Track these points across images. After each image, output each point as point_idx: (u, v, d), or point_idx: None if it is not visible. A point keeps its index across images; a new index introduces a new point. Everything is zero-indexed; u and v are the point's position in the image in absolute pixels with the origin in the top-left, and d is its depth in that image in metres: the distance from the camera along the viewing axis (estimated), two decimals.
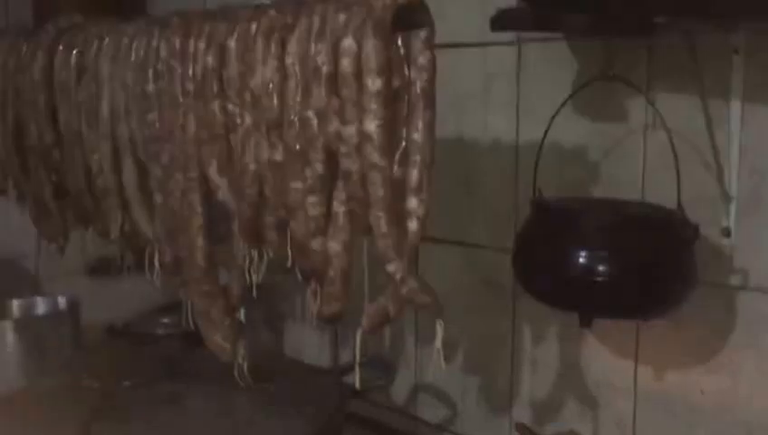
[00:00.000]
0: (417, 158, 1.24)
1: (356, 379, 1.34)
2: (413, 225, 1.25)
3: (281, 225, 1.42)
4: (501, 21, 1.40)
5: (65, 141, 1.86)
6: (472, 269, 1.88)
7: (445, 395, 1.95)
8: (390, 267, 1.23)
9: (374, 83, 1.19)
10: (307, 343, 2.27)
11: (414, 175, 1.24)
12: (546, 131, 1.51)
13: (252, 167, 1.41)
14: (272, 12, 1.36)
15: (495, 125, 1.78)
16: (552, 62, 1.65)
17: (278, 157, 1.35)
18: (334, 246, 1.32)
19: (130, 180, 1.72)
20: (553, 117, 1.49)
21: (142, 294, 2.36)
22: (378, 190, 1.22)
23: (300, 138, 1.30)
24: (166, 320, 2.42)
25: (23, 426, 1.63)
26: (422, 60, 1.22)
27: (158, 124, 1.60)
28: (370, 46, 1.19)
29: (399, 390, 2.03)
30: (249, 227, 1.46)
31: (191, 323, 1.67)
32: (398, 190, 1.24)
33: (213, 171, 1.52)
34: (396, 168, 1.24)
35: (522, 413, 1.80)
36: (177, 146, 1.55)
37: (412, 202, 1.24)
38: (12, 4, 2.88)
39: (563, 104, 1.50)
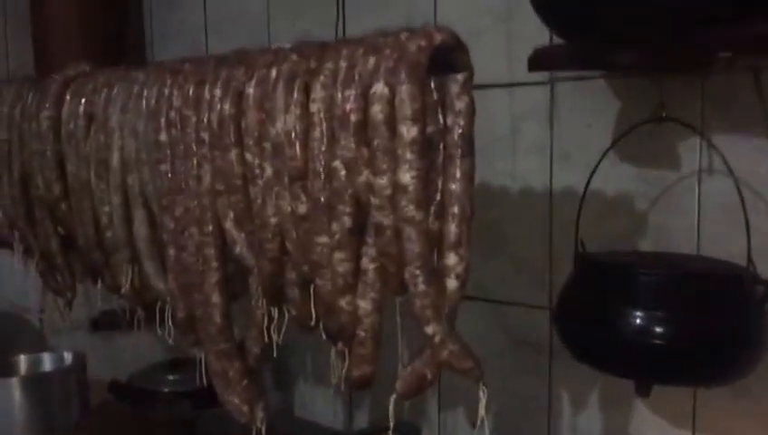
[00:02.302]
0: (456, 210, 1.12)
1: None
2: (452, 283, 1.12)
3: (304, 282, 1.30)
4: (539, 60, 1.28)
5: (73, 193, 1.75)
6: (502, 328, 1.72)
7: None
8: (429, 329, 1.11)
9: (409, 132, 1.08)
10: (319, 404, 2.12)
11: (452, 229, 1.12)
12: (590, 178, 1.38)
13: (273, 220, 1.29)
14: (293, 56, 1.25)
15: (526, 171, 1.64)
16: (589, 102, 1.52)
17: (302, 210, 1.23)
18: (364, 305, 1.20)
19: (141, 233, 1.60)
20: (598, 163, 1.36)
21: (146, 348, 2.24)
22: (414, 246, 1.10)
23: (326, 190, 1.19)
24: (171, 377, 2.28)
25: None
26: (459, 105, 1.11)
27: (170, 175, 1.48)
28: (405, 92, 1.07)
29: None
30: (269, 284, 1.34)
31: (205, 382, 1.55)
32: (434, 246, 1.13)
33: (230, 225, 1.40)
34: (432, 221, 1.12)
35: None
36: (192, 198, 1.44)
37: (451, 258, 1.12)
38: (12, 50, 2.79)
39: (610, 148, 1.37)
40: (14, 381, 1.89)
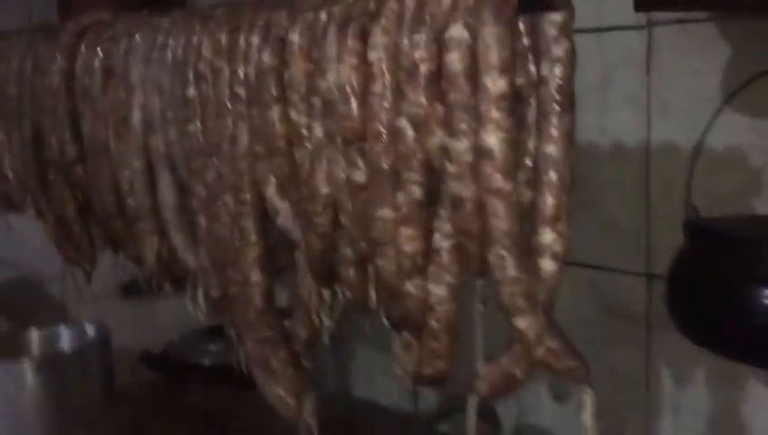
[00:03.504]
0: (552, 177, 0.92)
1: None
2: (548, 265, 0.93)
3: (361, 260, 1.11)
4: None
5: (90, 155, 1.56)
6: (593, 295, 1.54)
7: None
8: (520, 323, 0.91)
9: (495, 84, 0.87)
10: (379, 378, 1.94)
11: (548, 200, 0.92)
12: (705, 132, 1.17)
13: (323, 190, 1.09)
14: None
15: (617, 126, 1.43)
16: (694, 48, 1.32)
17: (359, 177, 1.03)
18: (437, 290, 1.00)
19: (168, 201, 1.41)
20: (715, 115, 1.16)
21: (182, 315, 2.06)
22: (501, 223, 0.90)
23: (390, 154, 0.99)
24: (211, 347, 2.11)
25: None
26: (557, 51, 0.90)
27: (200, 136, 1.29)
28: (490, 35, 0.87)
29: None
30: (319, 262, 1.14)
31: (243, 369, 1.37)
32: (525, 220, 0.93)
33: (271, 192, 1.20)
34: (522, 191, 0.92)
35: None
36: (226, 162, 1.24)
37: (547, 235, 0.92)
38: (35, 3, 2.57)
39: (731, 97, 1.16)
40: (25, 363, 1.69)
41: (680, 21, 1.30)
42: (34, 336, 1.92)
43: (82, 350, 1.82)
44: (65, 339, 1.92)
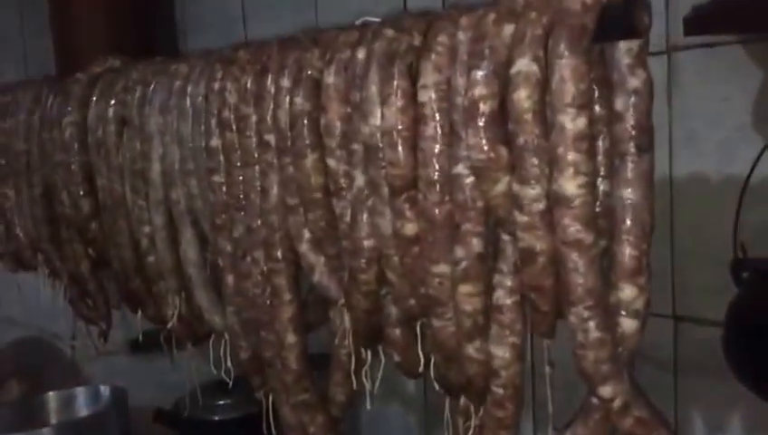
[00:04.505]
0: (631, 225, 0.80)
1: None
2: (629, 324, 0.80)
3: (410, 319, 0.99)
4: (699, 22, 0.95)
5: (106, 211, 1.44)
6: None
7: None
8: (605, 391, 0.79)
9: (575, 123, 0.76)
10: (391, 428, 1.81)
11: (626, 252, 0.80)
12: (755, 164, 1.06)
13: (368, 243, 0.97)
14: (388, 31, 0.93)
15: None
16: (721, 72, 1.21)
17: (409, 230, 0.91)
18: (500, 352, 0.88)
19: (191, 257, 1.29)
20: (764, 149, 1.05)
21: (195, 368, 1.94)
22: (582, 278, 0.77)
23: (445, 203, 0.87)
24: (222, 402, 1.99)
25: None
26: (634, 83, 0.79)
27: (226, 188, 1.17)
28: (567, 68, 0.75)
29: None
30: (363, 323, 1.02)
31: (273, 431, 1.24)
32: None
33: (305, 247, 1.08)
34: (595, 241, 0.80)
35: None
36: (254, 216, 1.13)
37: (626, 291, 0.80)
38: (32, 50, 2.46)
39: None
40: (45, 431, 1.57)
41: (705, 45, 1.19)
42: (51, 400, 1.80)
43: (99, 413, 1.70)
44: (81, 401, 1.80)
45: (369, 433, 1.91)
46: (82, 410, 1.77)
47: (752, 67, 1.19)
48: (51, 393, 1.82)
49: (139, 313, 1.50)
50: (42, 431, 1.57)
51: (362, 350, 1.08)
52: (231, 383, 1.31)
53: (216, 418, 1.98)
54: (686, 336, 1.35)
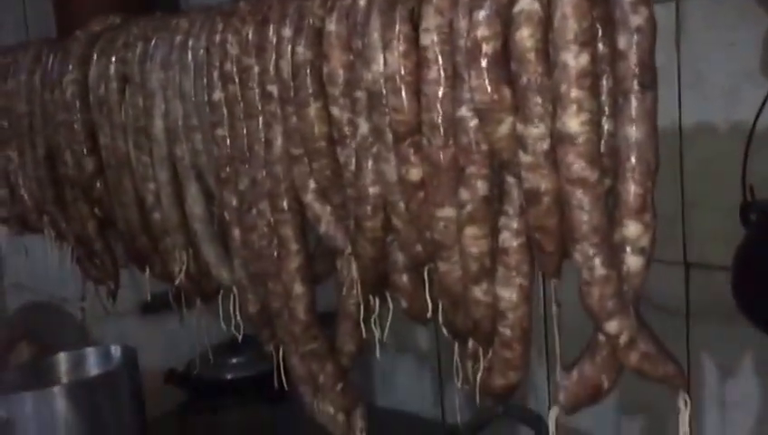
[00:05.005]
0: (635, 163, 0.80)
1: None
2: (635, 261, 0.81)
3: (417, 265, 0.99)
4: None
5: (110, 169, 1.44)
6: None
7: None
8: (611, 326, 0.79)
9: (577, 60, 0.75)
10: (402, 385, 1.83)
11: (631, 189, 0.80)
12: (760, 110, 1.06)
13: (373, 190, 0.97)
14: None
15: None
16: (728, 18, 1.21)
17: (414, 175, 0.92)
18: (507, 294, 0.88)
19: (196, 213, 1.29)
20: None
21: (206, 327, 1.96)
22: (587, 216, 0.78)
23: (449, 147, 0.87)
24: (233, 360, 2.01)
25: None
26: (636, 20, 0.78)
27: (230, 141, 1.17)
28: (569, 4, 0.75)
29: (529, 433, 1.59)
30: (371, 270, 1.03)
31: (285, 386, 1.25)
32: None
33: (311, 198, 1.09)
34: (600, 178, 0.80)
35: None
36: (259, 167, 1.13)
37: (631, 228, 0.80)
38: (31, 19, 2.45)
39: None
40: (56, 390, 1.58)
41: None
42: (61, 361, 1.80)
43: (110, 372, 1.70)
44: (92, 361, 1.80)
45: (382, 387, 1.93)
46: (93, 369, 1.77)
47: (759, 13, 1.19)
48: (61, 354, 1.81)
49: (147, 271, 1.51)
50: (52, 390, 1.58)
51: (370, 298, 1.08)
52: (240, 339, 1.32)
53: (228, 377, 2.00)
54: (696, 282, 1.37)
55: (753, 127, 1.11)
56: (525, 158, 0.80)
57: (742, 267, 1.07)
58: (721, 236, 1.22)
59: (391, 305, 1.07)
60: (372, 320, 1.10)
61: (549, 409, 0.88)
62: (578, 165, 0.77)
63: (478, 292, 0.89)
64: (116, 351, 1.81)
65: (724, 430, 1.33)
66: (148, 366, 1.89)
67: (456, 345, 1.00)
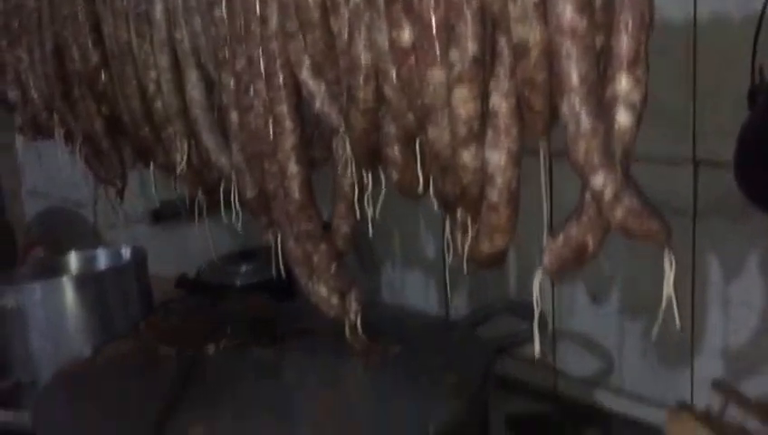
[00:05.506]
0: (629, 15, 0.77)
1: (536, 345, 0.90)
2: (625, 117, 0.79)
3: (407, 136, 0.98)
4: None
5: (114, 60, 1.43)
6: None
7: (596, 344, 1.50)
8: (597, 180, 0.78)
9: None
10: (409, 288, 1.83)
11: (623, 41, 0.78)
12: None
13: (365, 58, 0.96)
14: None
15: None
16: None
17: (405, 38, 0.90)
18: (495, 157, 0.87)
19: (196, 98, 1.29)
20: None
21: (214, 239, 1.97)
22: (575, 66, 0.76)
23: (439, 7, 0.85)
24: (243, 268, 2.02)
25: (93, 406, 1.23)
26: None
27: (227, 21, 1.15)
28: None
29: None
30: (363, 143, 1.01)
31: (283, 272, 1.25)
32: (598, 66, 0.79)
33: (306, 74, 1.07)
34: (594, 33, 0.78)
35: (707, 367, 1.34)
36: (255, 45, 1.11)
37: (623, 82, 0.78)
38: None
39: None
40: (65, 280, 1.60)
41: None
42: (72, 259, 1.83)
43: (119, 267, 1.72)
44: (102, 260, 1.83)
45: (390, 297, 1.93)
46: (103, 267, 1.80)
47: None
48: (72, 253, 1.83)
49: (152, 167, 1.51)
50: (61, 280, 1.60)
51: (363, 176, 1.07)
52: (240, 226, 1.31)
53: (237, 283, 2.02)
54: (705, 180, 1.34)
55: (764, 9, 1.07)
56: (514, 9, 0.78)
57: (744, 147, 1.04)
58: (732, 133, 1.19)
59: (384, 182, 1.06)
60: (366, 199, 1.09)
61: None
62: (567, 13, 0.74)
63: (467, 156, 0.88)
64: (126, 252, 1.83)
65: (727, 327, 1.32)
66: (159, 273, 1.91)
67: (447, 220, 0.99)
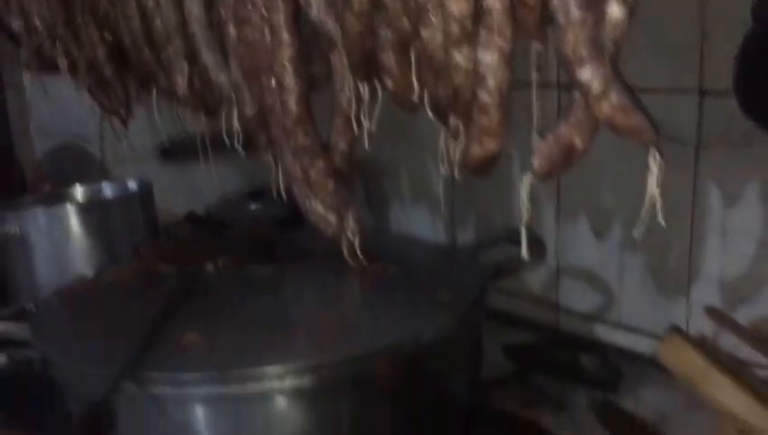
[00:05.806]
0: None
1: (523, 245, 0.89)
2: (616, 10, 0.77)
3: (402, 42, 0.97)
4: None
5: None
6: None
7: (596, 278, 1.50)
8: (584, 73, 0.76)
9: None
10: (416, 223, 1.83)
11: None
12: None
13: None
14: None
15: None
16: None
17: None
18: (488, 57, 0.85)
19: (195, 13, 1.27)
20: None
21: (225, 179, 1.97)
22: None
23: None
24: (253, 206, 2.03)
25: (92, 320, 1.24)
26: None
27: None
28: None
29: (535, 274, 1.58)
30: (358, 49, 1.00)
31: (282, 193, 1.25)
32: None
33: None
34: None
35: (703, 295, 1.33)
36: None
37: None
38: None
39: None
40: (69, 207, 1.61)
41: None
42: (78, 192, 1.84)
43: (125, 197, 1.73)
44: (108, 192, 1.84)
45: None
46: (109, 197, 1.81)
47: None
48: (78, 186, 1.85)
49: (154, 93, 1.51)
50: (65, 207, 1.61)
51: (360, 88, 1.06)
52: (241, 148, 1.31)
53: (246, 221, 2.03)
54: (709, 110, 1.32)
55: None
56: None
57: (745, 57, 1.02)
58: None
59: (380, 93, 1.05)
60: (362, 112, 1.08)
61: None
62: None
63: (459, 56, 0.86)
64: (132, 185, 1.84)
65: (724, 255, 1.31)
66: (168, 209, 1.92)
67: (442, 133, 0.98)
